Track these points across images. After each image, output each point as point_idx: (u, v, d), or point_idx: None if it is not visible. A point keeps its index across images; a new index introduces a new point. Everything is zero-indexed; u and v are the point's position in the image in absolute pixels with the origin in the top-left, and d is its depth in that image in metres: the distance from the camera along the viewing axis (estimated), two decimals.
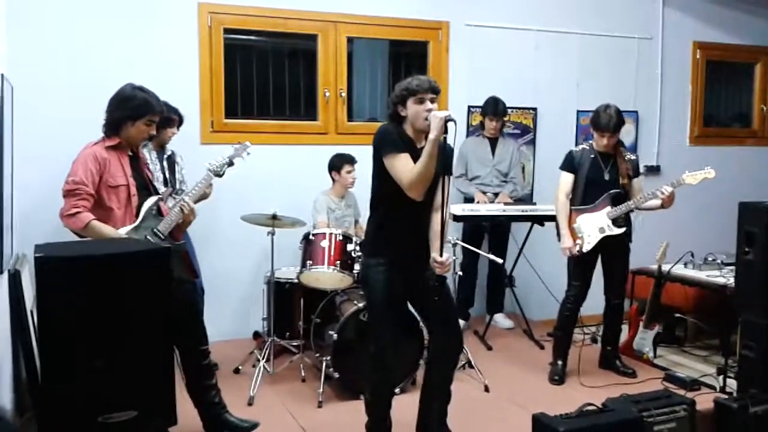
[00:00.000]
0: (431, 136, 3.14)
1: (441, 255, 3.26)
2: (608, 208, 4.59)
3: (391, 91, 3.45)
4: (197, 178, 3.89)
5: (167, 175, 4.57)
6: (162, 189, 3.99)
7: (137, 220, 3.41)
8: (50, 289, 2.86)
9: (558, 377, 4.71)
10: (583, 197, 4.63)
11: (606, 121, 4.51)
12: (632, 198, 4.61)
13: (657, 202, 4.54)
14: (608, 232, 4.57)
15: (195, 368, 3.67)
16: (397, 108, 3.33)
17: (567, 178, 4.68)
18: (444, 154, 3.22)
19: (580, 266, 4.67)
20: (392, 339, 3.45)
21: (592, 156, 4.63)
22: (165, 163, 4.59)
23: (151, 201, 3.50)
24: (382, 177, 3.33)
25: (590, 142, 4.73)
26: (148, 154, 4.41)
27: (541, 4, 6.09)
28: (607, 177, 4.61)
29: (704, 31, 6.76)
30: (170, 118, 4.45)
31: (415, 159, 3.22)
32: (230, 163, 3.83)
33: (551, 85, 6.17)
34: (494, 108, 5.60)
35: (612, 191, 4.58)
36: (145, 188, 3.53)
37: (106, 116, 3.42)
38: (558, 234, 4.75)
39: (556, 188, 4.73)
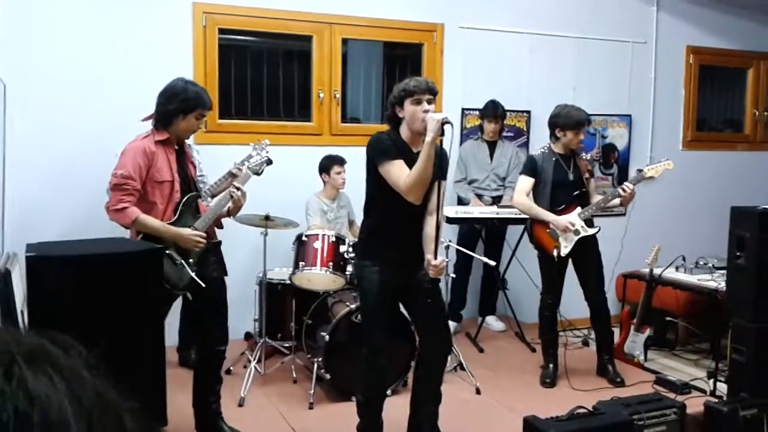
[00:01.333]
0: (428, 138, 3.14)
1: (436, 258, 3.27)
2: (578, 209, 4.61)
3: (386, 92, 3.46)
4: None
5: None
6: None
7: (174, 216, 3.42)
8: (41, 289, 2.86)
9: (549, 380, 4.72)
10: (551, 201, 4.64)
11: (582, 117, 4.56)
12: (591, 197, 4.68)
13: (618, 200, 4.62)
14: (583, 233, 4.59)
15: (208, 369, 3.68)
16: (394, 109, 3.33)
17: (528, 182, 4.67)
18: (439, 158, 3.22)
19: (556, 270, 4.69)
20: (385, 340, 3.46)
21: (554, 159, 4.65)
22: None
23: (190, 198, 3.51)
24: (375, 182, 3.34)
25: (546, 145, 4.75)
26: None
27: (535, 8, 6.10)
28: (571, 177, 4.65)
29: (698, 35, 6.79)
30: None
31: (411, 163, 3.22)
32: (269, 162, 3.83)
33: (545, 88, 6.17)
34: (494, 110, 5.60)
35: (577, 192, 4.63)
36: (187, 184, 3.54)
37: (156, 109, 3.42)
38: (529, 236, 4.78)
39: (515, 192, 4.73)
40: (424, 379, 3.57)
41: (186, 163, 3.58)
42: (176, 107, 3.36)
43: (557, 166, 4.64)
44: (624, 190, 4.54)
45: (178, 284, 3.39)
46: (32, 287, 2.84)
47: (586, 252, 4.66)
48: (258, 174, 3.80)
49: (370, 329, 3.48)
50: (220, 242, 3.66)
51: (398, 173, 3.23)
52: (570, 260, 4.71)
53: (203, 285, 3.45)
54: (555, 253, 4.59)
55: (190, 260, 3.43)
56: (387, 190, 3.28)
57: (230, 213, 3.73)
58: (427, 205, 3.37)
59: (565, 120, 4.58)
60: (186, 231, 3.39)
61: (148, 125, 3.55)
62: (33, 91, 4.66)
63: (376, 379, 3.52)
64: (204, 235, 3.46)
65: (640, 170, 4.76)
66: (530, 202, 4.64)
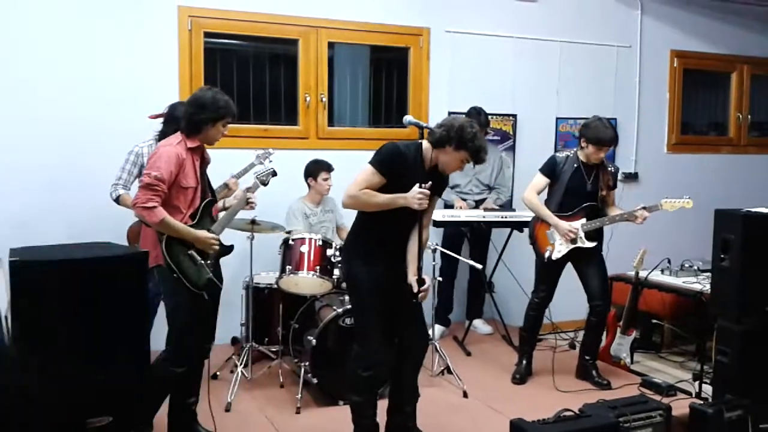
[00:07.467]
0: (400, 200, 3.26)
1: (419, 275, 3.36)
2: (583, 220, 4.60)
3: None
4: None
5: None
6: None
7: (193, 220, 3.50)
8: (25, 294, 2.84)
9: (519, 377, 4.79)
10: (561, 204, 4.64)
11: (609, 135, 4.48)
12: (607, 209, 4.66)
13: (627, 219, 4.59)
14: (579, 244, 4.59)
15: (194, 369, 3.68)
16: (445, 138, 3.30)
17: (541, 180, 4.67)
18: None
19: (547, 272, 4.72)
20: (382, 350, 3.48)
21: (576, 165, 4.61)
22: None
23: (208, 203, 3.60)
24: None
25: (574, 150, 4.70)
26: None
27: (521, 12, 6.12)
28: (589, 188, 4.61)
29: (682, 39, 6.84)
30: None
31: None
32: (274, 173, 4.11)
33: (531, 92, 6.20)
34: (477, 119, 5.59)
35: (589, 203, 4.60)
36: (205, 188, 3.63)
37: (186, 117, 3.49)
38: (529, 233, 4.80)
39: (527, 188, 4.70)
40: (403, 377, 3.59)
41: (205, 167, 3.67)
42: (208, 116, 3.46)
43: (577, 173, 4.60)
44: (638, 217, 4.51)
45: (198, 283, 3.46)
46: (16, 292, 2.82)
47: (585, 259, 4.66)
48: (265, 185, 4.03)
49: (365, 335, 3.49)
50: (232, 246, 3.73)
51: (363, 182, 3.32)
52: (570, 264, 4.72)
53: (220, 286, 3.64)
54: (546, 254, 4.61)
55: (208, 261, 3.52)
56: (386, 191, 3.33)
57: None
58: (421, 217, 3.36)
59: (590, 133, 4.52)
60: (203, 234, 3.49)
61: (154, 122, 3.86)
62: (12, 94, 4.63)
63: (366, 387, 3.52)
64: (219, 238, 3.59)
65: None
66: (538, 201, 4.65)
